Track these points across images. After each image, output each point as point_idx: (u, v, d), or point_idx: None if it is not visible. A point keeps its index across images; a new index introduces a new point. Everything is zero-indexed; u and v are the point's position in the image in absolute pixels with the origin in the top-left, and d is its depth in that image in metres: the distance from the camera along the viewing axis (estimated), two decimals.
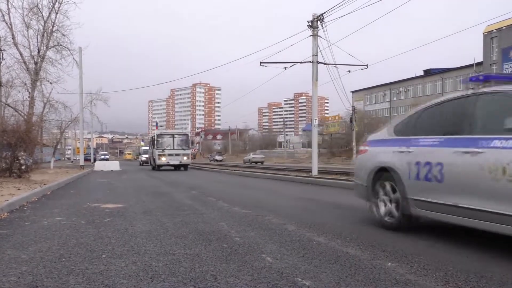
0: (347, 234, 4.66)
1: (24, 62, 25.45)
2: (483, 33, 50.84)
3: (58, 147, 70.07)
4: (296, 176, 17.37)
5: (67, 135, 63.78)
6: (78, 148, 55.06)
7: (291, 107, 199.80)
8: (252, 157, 55.21)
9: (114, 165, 30.18)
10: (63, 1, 25.59)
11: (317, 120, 20.11)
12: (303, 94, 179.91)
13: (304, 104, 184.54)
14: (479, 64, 53.09)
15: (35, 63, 25.70)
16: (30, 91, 25.80)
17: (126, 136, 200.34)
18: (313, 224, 5.35)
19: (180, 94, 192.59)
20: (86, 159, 53.36)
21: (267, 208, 7.18)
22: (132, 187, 12.62)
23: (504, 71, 48.84)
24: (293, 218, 5.83)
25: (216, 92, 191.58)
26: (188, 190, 11.06)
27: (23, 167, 13.44)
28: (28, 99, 25.83)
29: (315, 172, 18.58)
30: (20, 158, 13.70)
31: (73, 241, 4.37)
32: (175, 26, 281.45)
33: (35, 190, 9.82)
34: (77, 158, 45.70)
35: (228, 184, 14.08)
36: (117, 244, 4.22)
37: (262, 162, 51.55)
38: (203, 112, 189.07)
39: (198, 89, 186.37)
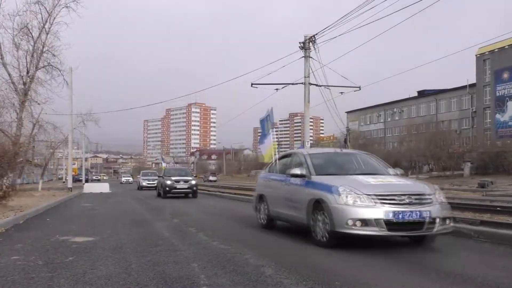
0: (330, 280, 4.14)
1: (13, 83, 25.04)
2: (476, 55, 51.18)
3: (51, 167, 69.39)
4: None
5: (60, 155, 62.98)
6: (75, 168, 54.42)
7: (287, 127, 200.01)
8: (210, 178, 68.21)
9: (103, 187, 29.51)
10: (54, 22, 25.40)
11: (309, 143, 19.72)
12: (298, 114, 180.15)
13: (299, 124, 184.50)
14: (472, 85, 53.31)
15: (24, 84, 25.29)
16: (18, 112, 25.31)
17: (120, 156, 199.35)
18: (294, 265, 4.81)
19: (175, 114, 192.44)
20: (77, 180, 52.80)
21: (248, 242, 6.67)
22: (113, 214, 12.01)
23: (497, 93, 49.03)
24: (274, 257, 5.30)
25: (211, 112, 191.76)
26: (170, 218, 10.50)
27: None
28: (16, 120, 25.32)
29: None
30: None
31: None
32: (171, 47, 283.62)
33: (6, 219, 9.20)
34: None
35: (216, 210, 13.51)
36: None
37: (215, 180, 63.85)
38: (198, 132, 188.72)
39: (193, 109, 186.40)
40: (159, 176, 23.78)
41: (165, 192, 20.35)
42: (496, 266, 4.85)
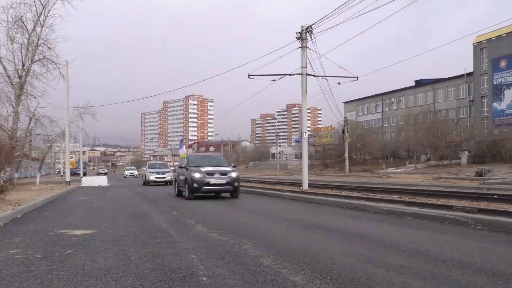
0: (329, 269, 4.16)
1: (8, 77, 24.87)
2: (473, 43, 51.06)
3: (49, 161, 69.21)
4: (286, 191, 16.84)
5: (57, 148, 62.81)
6: (73, 162, 54.15)
7: (284, 118, 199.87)
8: None
9: (101, 181, 29.47)
10: (48, 14, 25.17)
11: (307, 133, 19.69)
12: (296, 105, 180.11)
13: (297, 115, 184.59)
14: (469, 74, 53.26)
15: (20, 77, 25.12)
16: (14, 105, 25.18)
17: (118, 149, 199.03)
18: (293, 255, 4.84)
19: (173, 107, 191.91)
20: (75, 174, 52.71)
21: (247, 233, 6.67)
22: (112, 207, 12.03)
23: (494, 81, 49.02)
24: (272, 247, 5.32)
25: (209, 104, 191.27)
26: (169, 211, 10.52)
27: None
28: (12, 114, 25.20)
29: (305, 186, 18.10)
30: None
31: (14, 286, 3.83)
32: (170, 40, 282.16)
33: (5, 213, 9.20)
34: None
35: (214, 202, 13.52)
36: None
37: None
38: (196, 124, 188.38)
39: (190, 101, 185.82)
40: (180, 168, 16.18)
41: (192, 190, 14.00)
42: (493, 253, 4.88)
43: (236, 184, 14.43)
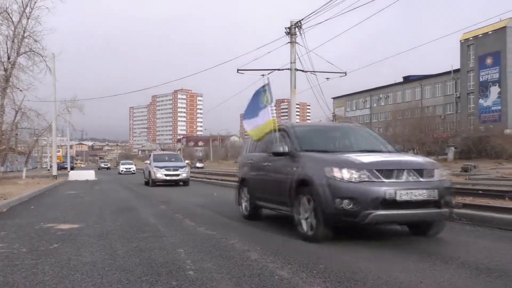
0: (314, 264, 4.19)
1: None
2: (460, 40, 51.58)
3: (35, 155, 68.24)
4: None
5: (44, 142, 61.93)
6: (60, 156, 53.35)
7: (273, 113, 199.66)
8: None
9: (89, 175, 29.20)
10: (34, 6, 24.77)
11: None
12: (285, 100, 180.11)
13: (286, 110, 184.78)
14: (456, 71, 53.82)
15: (5, 70, 24.71)
16: None
17: (106, 143, 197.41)
18: (279, 250, 4.86)
19: (162, 101, 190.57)
20: (62, 168, 52.08)
21: (234, 227, 6.69)
22: (99, 201, 11.94)
23: (481, 78, 49.61)
24: (259, 242, 5.35)
25: (198, 98, 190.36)
26: (157, 205, 10.47)
27: None
28: None
29: None
30: None
31: None
32: (159, 33, 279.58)
33: None
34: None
35: (202, 197, 13.49)
36: (49, 283, 3.66)
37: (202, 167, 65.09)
38: (184, 119, 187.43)
39: (179, 96, 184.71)
40: (277, 154, 6.38)
41: (336, 217, 5.10)
42: (476, 247, 4.97)
43: (448, 198, 5.42)
